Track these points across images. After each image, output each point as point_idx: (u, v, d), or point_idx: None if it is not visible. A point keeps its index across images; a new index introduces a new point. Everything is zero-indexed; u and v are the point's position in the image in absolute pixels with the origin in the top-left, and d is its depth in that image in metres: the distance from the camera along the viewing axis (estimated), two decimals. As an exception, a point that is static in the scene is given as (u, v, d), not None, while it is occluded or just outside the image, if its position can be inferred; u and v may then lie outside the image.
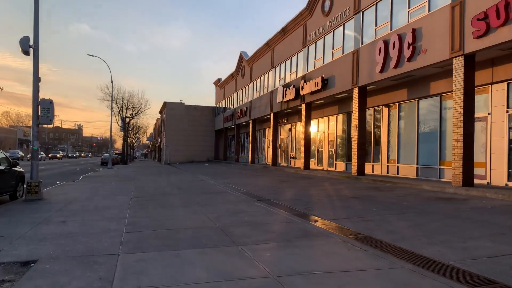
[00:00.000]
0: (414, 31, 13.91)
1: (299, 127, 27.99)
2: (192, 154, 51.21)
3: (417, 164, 16.11)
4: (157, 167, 37.28)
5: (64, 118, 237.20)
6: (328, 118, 23.63)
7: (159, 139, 68.49)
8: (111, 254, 5.28)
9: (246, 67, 37.45)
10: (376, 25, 16.71)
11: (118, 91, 48.24)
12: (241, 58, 39.18)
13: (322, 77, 20.35)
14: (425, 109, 16.01)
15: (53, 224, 7.61)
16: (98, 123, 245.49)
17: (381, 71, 15.64)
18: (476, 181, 12.34)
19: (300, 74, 24.18)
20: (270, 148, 33.35)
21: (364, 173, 17.68)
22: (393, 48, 14.88)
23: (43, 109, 11.60)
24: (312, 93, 21.62)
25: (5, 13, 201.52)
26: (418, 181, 14.16)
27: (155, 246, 5.77)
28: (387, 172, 17.79)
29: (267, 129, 34.95)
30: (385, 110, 18.21)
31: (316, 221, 7.66)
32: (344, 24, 19.34)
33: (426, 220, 7.54)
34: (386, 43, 15.44)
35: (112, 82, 38.59)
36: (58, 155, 69.09)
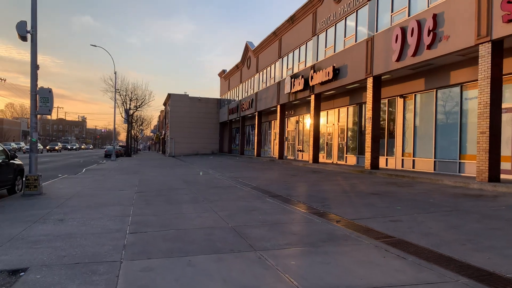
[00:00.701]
0: (435, 16, 13.05)
1: (307, 119, 27.21)
2: (196, 147, 50.58)
3: (434, 158, 15.33)
4: (162, 160, 36.68)
5: (68, 110, 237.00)
6: (338, 110, 22.82)
7: (163, 131, 67.90)
8: (113, 261, 4.60)
9: (252, 57, 36.58)
10: (392, 12, 15.83)
11: (121, 83, 47.73)
12: (246, 49, 38.29)
13: (333, 67, 19.52)
14: (444, 99, 15.19)
15: (50, 223, 6.95)
16: (102, 114, 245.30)
17: (398, 59, 14.81)
18: (502, 176, 11.57)
19: (309, 64, 23.34)
20: (277, 141, 32.61)
21: (378, 167, 16.93)
22: (412, 35, 14.04)
23: (42, 98, 10.91)
24: (322, 83, 20.80)
25: (9, 5, 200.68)
26: (438, 176, 13.40)
27: (163, 250, 5.09)
28: (402, 166, 17.03)
29: (273, 121, 34.19)
30: (400, 101, 17.40)
31: (338, 221, 6.96)
32: (357, 11, 18.46)
33: (462, 220, 6.81)
34: (403, 30, 14.59)
35: (115, 72, 37.93)
36: (56, 147, 67.30)
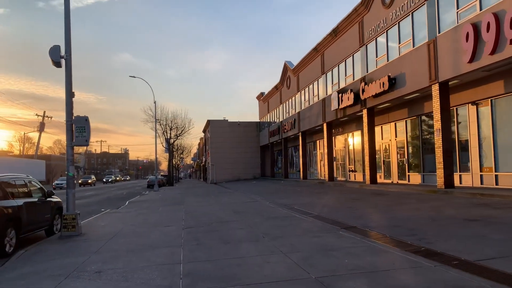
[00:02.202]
0: (517, 5, 11.10)
1: (357, 136, 25.25)
2: (237, 172, 49.40)
3: (524, 172, 12.98)
4: (204, 188, 35.60)
5: (111, 143, 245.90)
6: (395, 124, 20.76)
7: (204, 159, 67.55)
8: None
9: (291, 77, 35.31)
10: (457, 8, 13.96)
11: (161, 112, 47.75)
12: (285, 68, 37.14)
13: (389, 76, 17.69)
14: (531, 102, 12.95)
15: (85, 277, 5.57)
16: (144, 145, 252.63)
17: (471, 60, 12.83)
18: None
19: (358, 77, 21.61)
20: (324, 162, 30.70)
21: (454, 185, 14.69)
22: (488, 31, 12.09)
23: (78, 128, 9.89)
24: (376, 95, 18.96)
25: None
26: (538, 193, 11.08)
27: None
28: (481, 183, 14.69)
29: (318, 141, 32.40)
30: (472, 109, 15.22)
31: (457, 263, 5.12)
32: (412, 13, 16.70)
33: None
34: (475, 26, 12.66)
35: (155, 102, 37.82)
36: (90, 181, 62.56)
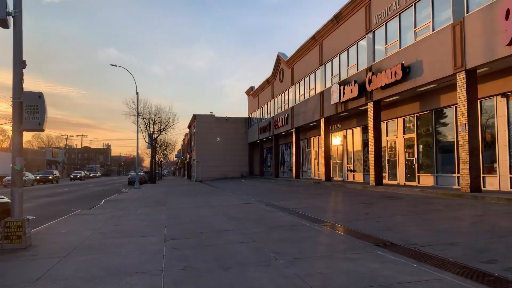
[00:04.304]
0: None
1: (358, 133, 23.29)
2: (224, 170, 47.09)
3: None
4: (189, 186, 33.20)
5: (93, 138, 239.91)
6: (403, 120, 18.81)
7: (188, 155, 64.96)
8: None
9: (285, 69, 33.16)
10: (492, -18, 12.02)
11: (144, 106, 45.04)
12: (278, 61, 34.96)
13: (402, 65, 15.69)
14: None
15: None
16: (126, 140, 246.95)
17: (511, 42, 10.90)
18: None
19: (363, 67, 19.58)
20: (319, 160, 28.70)
21: (480, 189, 12.78)
22: (534, 6, 10.16)
23: (29, 107, 7.52)
24: (385, 87, 16.95)
25: (38, 42, 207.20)
26: None
27: None
28: (511, 187, 12.82)
29: (312, 138, 30.36)
30: (501, 102, 13.34)
31: None
32: (431, -8, 14.73)
33: None
34: (517, 2, 10.73)
35: (137, 93, 35.15)
36: (50, 177, 50.09)
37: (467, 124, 12.71)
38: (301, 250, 6.29)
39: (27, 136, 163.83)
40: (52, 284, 4.89)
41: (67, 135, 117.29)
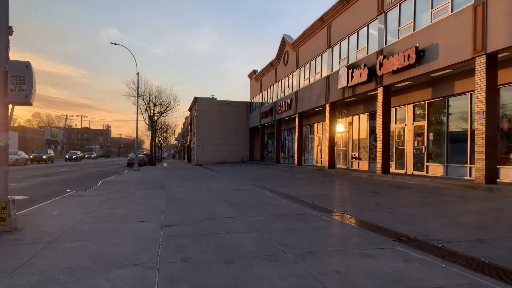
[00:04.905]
0: None
1: (364, 119, 22.57)
2: (224, 154, 46.51)
3: None
4: (189, 169, 32.63)
5: (93, 119, 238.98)
6: (413, 107, 18.08)
7: (188, 139, 64.33)
8: None
9: (290, 52, 32.22)
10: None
11: (144, 87, 44.17)
12: (283, 43, 33.97)
13: (416, 48, 14.89)
14: None
15: None
16: (127, 121, 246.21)
17: (539, 24, 10.10)
18: None
19: (374, 50, 18.75)
20: (321, 147, 28.09)
21: (496, 180, 12.16)
22: None
23: (15, 78, 6.82)
24: (397, 71, 16.17)
25: (40, 20, 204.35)
26: None
27: None
28: (528, 179, 12.21)
29: (316, 124, 29.65)
30: (521, 89, 12.62)
31: None
32: (451, -29, 13.84)
33: None
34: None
35: (137, 73, 34.25)
36: (44, 156, 47.68)
37: (484, 112, 12.00)
38: (311, 243, 5.68)
39: (27, 115, 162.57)
40: (31, 276, 4.27)
41: (67, 115, 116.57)
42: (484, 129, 12.00)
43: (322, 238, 6.06)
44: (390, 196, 11.20)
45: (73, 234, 6.49)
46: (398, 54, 15.96)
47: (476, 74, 12.39)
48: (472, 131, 14.40)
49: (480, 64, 12.20)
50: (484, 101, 12.01)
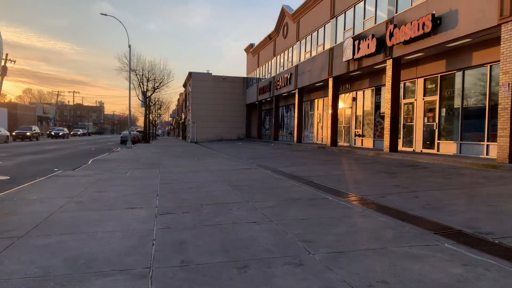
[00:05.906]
0: None
1: (369, 94, 21.45)
2: (220, 132, 45.40)
3: None
4: (184, 147, 31.54)
5: (86, 95, 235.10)
6: (424, 80, 16.95)
7: (183, 115, 62.94)
8: None
9: (290, 23, 30.67)
10: None
11: (137, 61, 42.62)
12: (282, 14, 32.35)
13: (433, 15, 13.64)
14: None
15: None
16: (120, 98, 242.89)
17: None
18: None
19: (382, 19, 17.44)
20: (322, 124, 27.04)
21: (520, 159, 11.22)
22: None
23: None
24: (409, 41, 14.96)
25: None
26: None
27: None
28: (553, 158, 11.26)
29: (316, 100, 28.49)
30: (550, 60, 11.49)
31: None
32: None
33: None
34: None
35: (129, 46, 32.65)
36: (28, 133, 44.02)
37: (510, 84, 10.92)
38: (337, 239, 4.67)
39: (17, 91, 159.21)
40: (-18, 291, 3.23)
41: (58, 91, 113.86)
42: (510, 103, 10.95)
43: (348, 231, 5.05)
44: (406, 176, 10.22)
45: (49, 226, 5.43)
46: (411, 23, 14.71)
47: (502, 43, 11.24)
48: (491, 106, 13.37)
49: (507, 32, 11.03)
50: (511, 72, 10.92)
